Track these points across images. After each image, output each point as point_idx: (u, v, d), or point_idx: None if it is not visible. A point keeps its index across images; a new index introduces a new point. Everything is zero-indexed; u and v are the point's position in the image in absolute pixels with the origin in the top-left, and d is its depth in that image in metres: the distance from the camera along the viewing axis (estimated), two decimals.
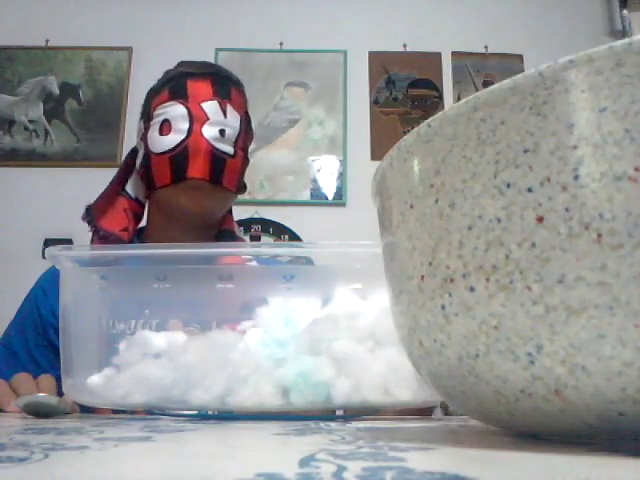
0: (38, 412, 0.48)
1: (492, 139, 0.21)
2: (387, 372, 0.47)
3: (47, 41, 2.57)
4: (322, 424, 0.41)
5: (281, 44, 2.55)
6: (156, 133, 0.84)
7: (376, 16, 2.63)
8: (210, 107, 0.84)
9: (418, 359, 0.26)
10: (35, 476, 0.19)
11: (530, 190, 0.20)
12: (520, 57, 2.58)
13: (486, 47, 2.59)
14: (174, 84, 0.86)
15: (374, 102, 2.55)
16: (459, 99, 2.55)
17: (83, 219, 0.89)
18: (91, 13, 2.61)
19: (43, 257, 2.01)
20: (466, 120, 0.22)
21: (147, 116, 0.89)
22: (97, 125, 2.52)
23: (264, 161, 2.35)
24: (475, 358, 0.22)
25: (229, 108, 0.86)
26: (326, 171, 2.45)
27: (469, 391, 0.24)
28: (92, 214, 0.88)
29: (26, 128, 2.51)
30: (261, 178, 2.37)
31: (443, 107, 2.54)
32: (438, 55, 2.60)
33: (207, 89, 0.85)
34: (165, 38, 2.59)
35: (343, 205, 2.41)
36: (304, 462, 0.20)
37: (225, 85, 0.87)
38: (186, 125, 0.82)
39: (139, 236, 0.93)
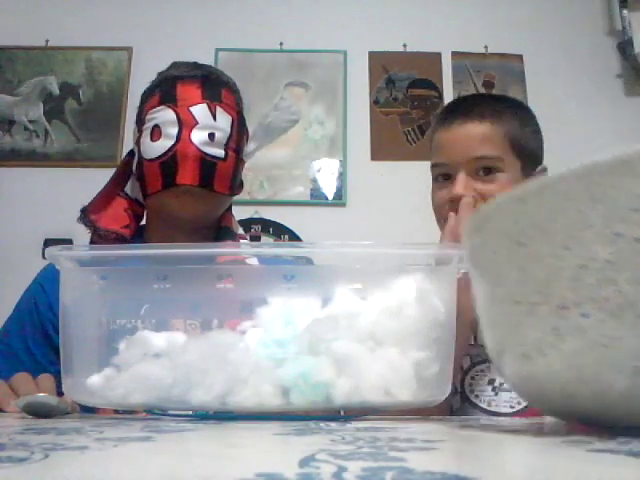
0: (38, 412, 0.48)
1: (604, 199, 0.26)
2: (387, 372, 0.47)
3: (47, 41, 2.57)
4: (322, 424, 0.41)
5: (281, 44, 2.55)
6: (147, 139, 0.85)
7: (376, 16, 2.63)
8: (199, 111, 0.84)
9: (517, 367, 0.32)
10: (35, 476, 0.19)
11: (637, 240, 0.26)
12: (520, 57, 2.57)
13: (486, 47, 2.59)
14: (164, 88, 0.86)
15: (374, 102, 2.55)
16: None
17: (79, 221, 0.90)
18: (91, 13, 2.60)
19: (43, 257, 2.01)
20: (578, 181, 0.27)
21: (140, 120, 0.89)
22: (97, 125, 2.52)
23: (264, 161, 2.35)
24: (582, 368, 0.28)
25: (219, 110, 0.85)
26: (326, 171, 2.45)
27: (571, 393, 0.30)
28: (88, 215, 0.89)
29: (26, 128, 2.51)
30: (261, 178, 2.37)
31: None
32: (438, 55, 2.60)
33: (196, 92, 0.85)
34: (165, 38, 2.58)
35: (343, 205, 2.41)
36: (304, 462, 0.20)
37: (215, 87, 0.87)
38: (175, 130, 0.82)
39: (141, 235, 0.93)
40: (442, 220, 0.85)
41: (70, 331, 0.51)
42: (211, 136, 0.83)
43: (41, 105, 2.53)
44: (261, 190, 2.36)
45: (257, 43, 2.55)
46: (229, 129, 0.86)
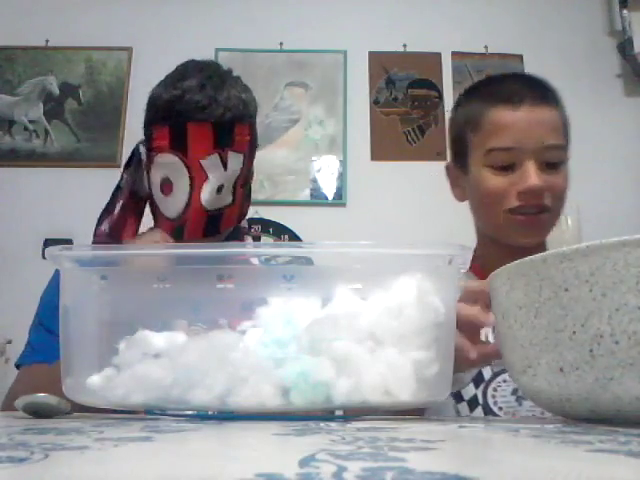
0: (38, 412, 0.48)
1: (636, 264, 0.37)
2: (387, 372, 0.47)
3: (47, 41, 2.57)
4: (322, 424, 0.41)
5: (281, 44, 2.55)
6: (159, 191, 0.86)
7: (376, 16, 2.63)
8: (210, 164, 0.83)
9: (551, 379, 0.42)
10: (35, 476, 0.19)
11: None
12: (520, 57, 2.58)
13: (486, 47, 2.59)
14: (174, 125, 0.83)
15: (374, 102, 2.55)
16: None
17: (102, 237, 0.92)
18: (91, 13, 2.61)
19: (43, 257, 2.02)
20: (615, 249, 0.38)
21: (148, 143, 0.87)
22: (97, 125, 2.52)
23: (264, 161, 2.35)
24: (610, 380, 0.38)
25: (231, 155, 0.85)
26: (326, 171, 2.45)
27: (594, 399, 0.39)
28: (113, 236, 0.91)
29: (26, 128, 2.51)
30: (261, 178, 2.37)
31: (443, 107, 2.54)
32: (438, 55, 2.60)
33: (208, 140, 0.83)
34: (165, 38, 2.59)
35: (343, 205, 2.41)
36: (304, 462, 0.20)
37: (228, 128, 0.84)
38: (187, 188, 0.83)
39: None
40: (499, 211, 0.79)
41: (70, 331, 0.51)
42: (220, 188, 0.85)
43: (41, 105, 2.53)
44: (261, 190, 2.36)
45: (257, 43, 2.55)
46: (239, 168, 0.86)
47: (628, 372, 0.37)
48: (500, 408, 0.76)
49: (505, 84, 0.84)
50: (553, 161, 0.78)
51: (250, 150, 0.89)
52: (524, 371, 0.44)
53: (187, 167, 0.83)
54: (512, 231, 0.80)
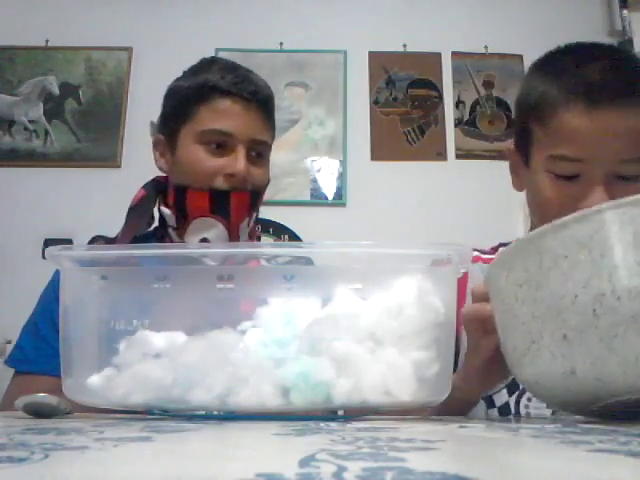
0: (38, 412, 0.48)
1: (630, 222, 0.39)
2: (387, 372, 0.47)
3: (47, 41, 2.57)
4: (322, 424, 0.41)
5: (281, 44, 2.55)
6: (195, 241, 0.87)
7: (376, 16, 2.63)
8: (243, 226, 0.89)
9: (555, 348, 0.42)
10: (35, 476, 0.19)
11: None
12: (520, 57, 2.57)
13: (486, 47, 2.59)
14: (215, 195, 0.86)
15: (374, 102, 2.55)
16: (459, 99, 2.55)
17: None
18: (91, 13, 2.60)
19: (43, 257, 2.02)
20: (610, 212, 0.40)
21: (181, 204, 0.88)
22: (97, 125, 2.52)
23: None
24: (614, 338, 0.38)
25: (253, 215, 0.91)
26: (326, 171, 2.45)
27: (600, 364, 0.39)
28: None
29: (26, 128, 2.51)
30: None
31: (443, 107, 2.54)
32: (438, 55, 2.60)
33: (245, 208, 0.88)
34: (165, 38, 2.58)
35: (343, 205, 2.41)
36: (304, 462, 0.20)
37: (258, 195, 0.91)
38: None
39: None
40: (552, 219, 0.69)
41: (70, 331, 0.51)
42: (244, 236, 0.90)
43: (41, 105, 2.53)
44: None
45: (257, 43, 2.55)
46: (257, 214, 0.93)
47: (631, 327, 0.37)
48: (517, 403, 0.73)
49: (585, 69, 0.68)
50: (630, 175, 0.66)
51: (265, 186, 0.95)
52: (527, 349, 0.44)
53: (228, 231, 0.87)
54: None
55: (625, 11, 2.51)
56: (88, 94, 2.56)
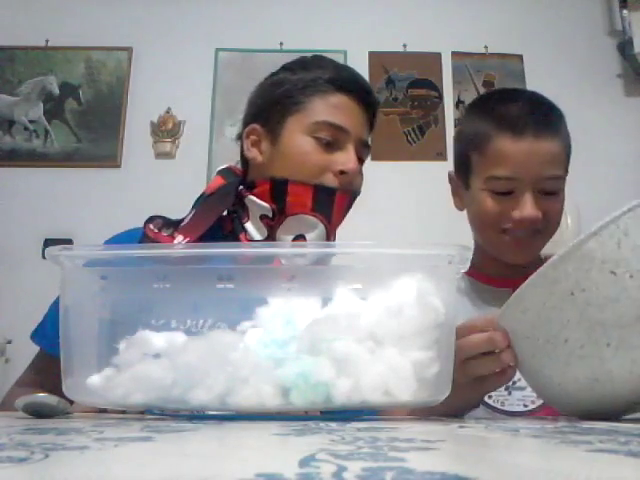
0: (38, 412, 0.48)
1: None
2: (387, 372, 0.47)
3: (47, 41, 2.57)
4: (322, 424, 0.41)
5: (281, 44, 2.55)
6: (288, 239, 0.83)
7: (376, 16, 2.63)
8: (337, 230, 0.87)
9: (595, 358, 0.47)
10: (35, 476, 0.19)
11: None
12: (520, 57, 2.58)
13: (486, 47, 2.59)
14: (320, 194, 0.82)
15: None
16: (459, 99, 2.55)
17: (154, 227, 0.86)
18: (91, 13, 2.61)
19: (43, 257, 2.02)
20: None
21: (280, 194, 0.82)
22: (97, 125, 2.52)
23: None
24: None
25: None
26: None
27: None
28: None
29: (26, 128, 2.51)
30: None
31: (443, 107, 2.54)
32: (438, 55, 2.60)
33: (346, 211, 0.87)
34: (165, 38, 2.59)
35: None
36: (304, 462, 0.20)
37: (354, 200, 0.90)
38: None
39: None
40: (492, 231, 0.84)
41: (70, 331, 0.51)
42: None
43: (41, 105, 2.53)
44: None
45: (257, 43, 2.55)
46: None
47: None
48: (490, 396, 0.78)
49: (511, 107, 0.85)
50: (551, 190, 0.82)
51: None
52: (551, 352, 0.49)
53: (327, 232, 0.84)
54: (504, 250, 0.85)
55: (625, 11, 2.51)
56: (88, 94, 2.56)
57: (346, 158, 0.83)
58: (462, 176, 0.89)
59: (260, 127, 0.88)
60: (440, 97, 2.56)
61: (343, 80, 0.86)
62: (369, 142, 0.89)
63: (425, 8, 2.64)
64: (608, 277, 0.46)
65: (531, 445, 0.30)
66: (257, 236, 0.83)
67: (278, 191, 0.82)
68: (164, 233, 0.83)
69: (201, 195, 0.86)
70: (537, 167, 0.80)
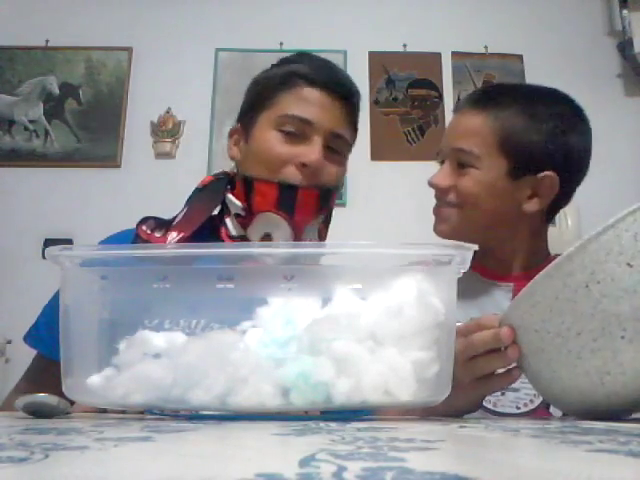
0: (38, 412, 0.48)
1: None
2: (387, 372, 0.47)
3: (47, 41, 2.57)
4: (322, 424, 0.41)
5: (281, 44, 2.55)
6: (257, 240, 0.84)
7: (376, 16, 2.63)
8: (310, 229, 0.85)
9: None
10: (35, 476, 0.19)
11: None
12: (520, 57, 2.58)
13: (486, 47, 2.59)
14: (284, 192, 0.82)
15: (374, 102, 2.55)
16: (459, 99, 2.55)
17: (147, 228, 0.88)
18: (91, 13, 2.61)
19: (43, 257, 2.02)
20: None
21: (248, 186, 0.84)
22: (97, 125, 2.52)
23: None
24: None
25: (319, 217, 0.86)
26: None
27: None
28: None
29: (26, 128, 2.51)
30: None
31: (443, 107, 2.54)
32: (438, 55, 2.60)
33: (313, 208, 0.84)
34: (165, 38, 2.59)
35: (343, 205, 2.41)
36: (304, 462, 0.20)
37: (328, 196, 0.86)
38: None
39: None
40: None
41: (70, 331, 0.51)
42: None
43: (41, 105, 2.53)
44: None
45: (257, 43, 2.55)
46: (325, 216, 0.88)
47: None
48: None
49: (474, 92, 1.00)
50: (462, 163, 0.84)
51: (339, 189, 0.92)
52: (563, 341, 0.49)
53: (293, 230, 0.83)
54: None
55: (625, 11, 2.51)
56: (88, 94, 2.56)
57: (309, 150, 0.82)
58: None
59: (240, 126, 0.90)
60: (440, 97, 2.56)
61: (311, 72, 0.86)
62: (345, 134, 0.86)
63: (425, 8, 2.64)
64: (624, 269, 0.46)
65: (531, 445, 0.30)
66: (234, 232, 0.86)
67: (247, 190, 0.84)
68: (157, 234, 0.84)
69: (193, 192, 0.89)
70: (451, 138, 0.86)
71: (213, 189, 0.89)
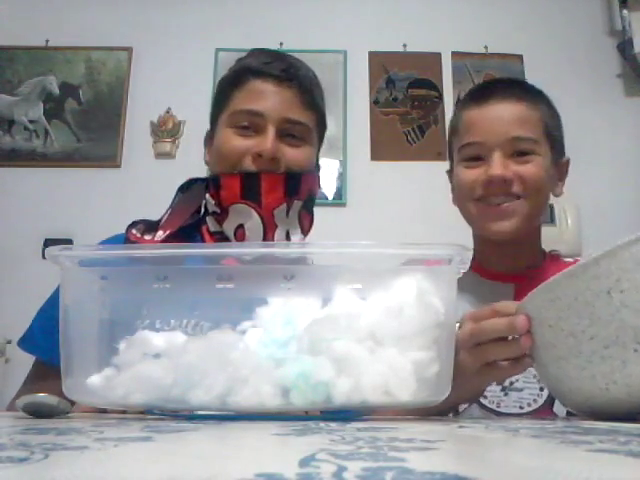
0: (38, 412, 0.48)
1: None
2: (387, 372, 0.47)
3: (47, 41, 2.57)
4: (322, 424, 0.41)
5: (281, 44, 2.55)
6: (232, 235, 0.86)
7: (376, 16, 2.63)
8: (280, 213, 0.85)
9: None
10: (35, 476, 0.19)
11: None
12: (520, 57, 2.57)
13: (486, 47, 2.59)
14: (247, 180, 0.84)
15: (374, 102, 2.55)
16: (459, 99, 2.55)
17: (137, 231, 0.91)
18: (91, 13, 2.61)
19: (43, 257, 2.02)
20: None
21: (216, 201, 0.87)
22: (97, 125, 2.52)
23: None
24: None
25: (295, 204, 0.87)
26: (326, 171, 2.45)
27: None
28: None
29: (26, 128, 2.51)
30: None
31: (443, 107, 2.54)
32: (438, 55, 2.60)
33: (279, 192, 0.85)
34: (165, 38, 2.59)
35: (343, 205, 2.41)
36: (304, 462, 0.20)
37: (297, 179, 0.87)
38: (260, 236, 0.84)
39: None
40: (470, 201, 0.84)
41: (70, 331, 0.51)
42: (287, 234, 0.87)
43: (41, 105, 2.53)
44: None
45: (257, 43, 2.53)
46: (302, 204, 0.89)
47: None
48: (485, 397, 0.77)
49: (479, 88, 0.92)
50: (522, 150, 0.82)
51: (316, 182, 0.94)
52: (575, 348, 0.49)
53: (261, 217, 0.84)
54: (483, 221, 0.84)
55: (625, 11, 2.51)
56: (88, 94, 2.56)
57: (262, 140, 0.84)
58: (450, 166, 0.93)
59: (209, 131, 0.94)
60: (440, 97, 2.56)
61: (258, 64, 0.88)
62: (302, 119, 0.87)
63: (425, 8, 2.64)
64: None
65: (531, 445, 0.30)
66: (213, 228, 0.90)
67: (215, 187, 0.87)
68: (146, 237, 0.88)
69: (176, 193, 0.95)
70: (502, 128, 0.82)
71: (194, 190, 0.94)
